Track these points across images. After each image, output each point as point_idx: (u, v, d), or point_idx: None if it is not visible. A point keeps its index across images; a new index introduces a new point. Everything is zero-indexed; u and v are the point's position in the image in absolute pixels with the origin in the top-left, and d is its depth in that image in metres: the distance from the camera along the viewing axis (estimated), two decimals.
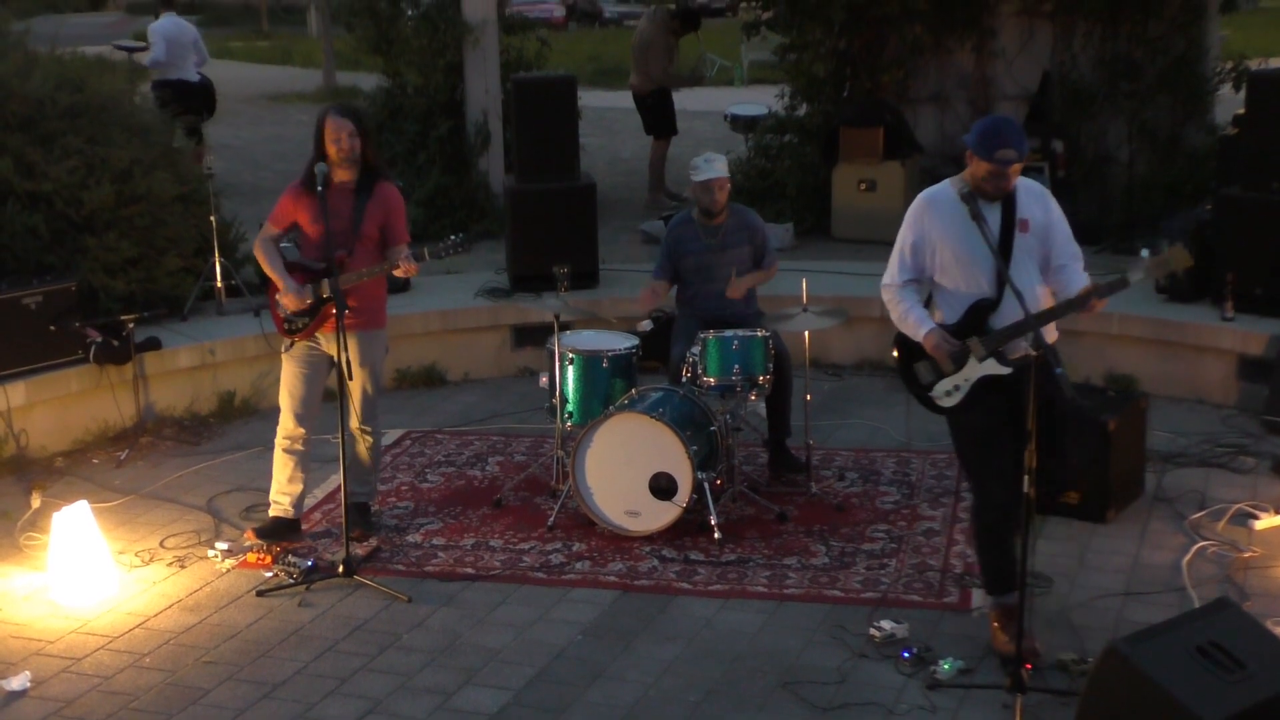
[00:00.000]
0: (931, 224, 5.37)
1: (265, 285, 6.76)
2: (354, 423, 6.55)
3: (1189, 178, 10.66)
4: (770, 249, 7.40)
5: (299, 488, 6.69)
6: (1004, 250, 5.25)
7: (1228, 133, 10.24)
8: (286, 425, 6.62)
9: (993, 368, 5.24)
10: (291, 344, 6.58)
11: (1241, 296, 8.19)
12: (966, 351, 5.26)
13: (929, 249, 5.38)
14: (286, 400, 6.62)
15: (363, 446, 6.70)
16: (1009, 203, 5.31)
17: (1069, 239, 5.42)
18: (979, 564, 5.65)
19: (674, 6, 14.11)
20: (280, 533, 6.67)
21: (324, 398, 6.72)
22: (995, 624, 5.49)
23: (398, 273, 6.38)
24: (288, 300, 6.45)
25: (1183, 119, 11.21)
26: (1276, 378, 7.73)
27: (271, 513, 6.72)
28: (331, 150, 6.35)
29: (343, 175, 6.43)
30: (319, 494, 7.22)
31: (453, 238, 6.55)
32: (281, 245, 6.68)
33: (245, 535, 6.71)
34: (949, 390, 5.34)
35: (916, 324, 5.37)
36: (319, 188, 6.28)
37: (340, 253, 6.32)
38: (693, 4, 18.44)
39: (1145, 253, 5.28)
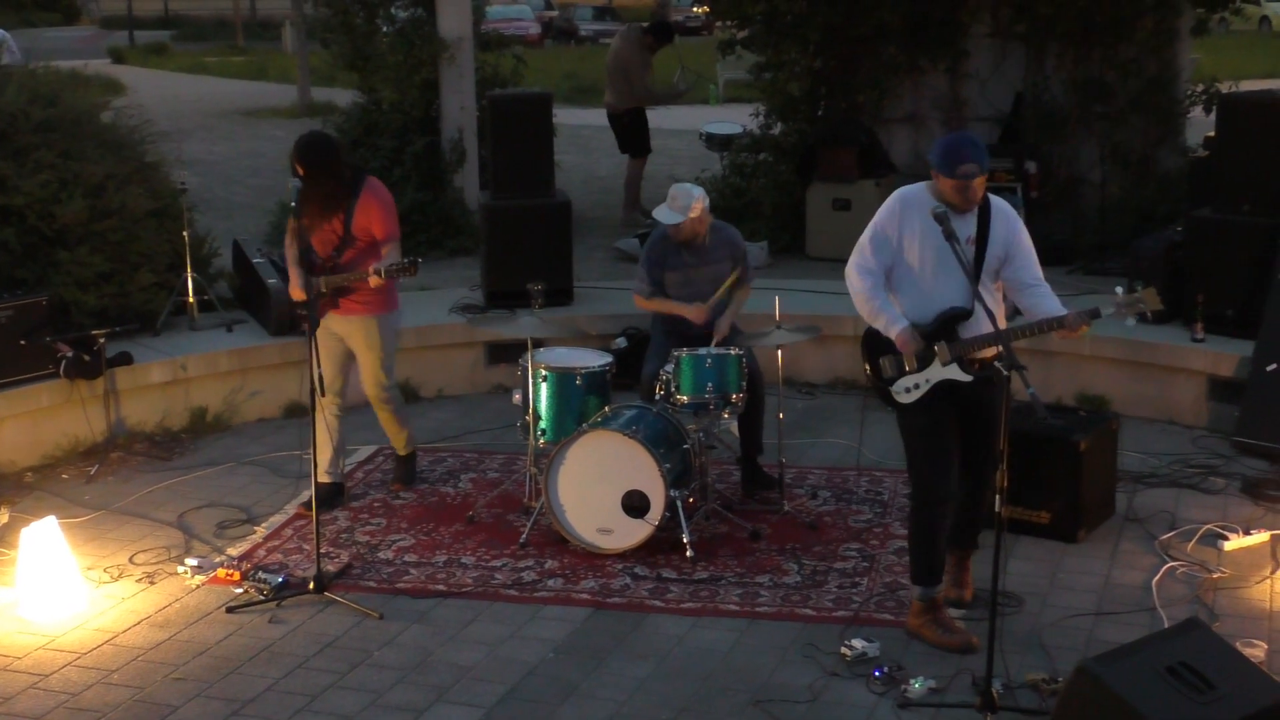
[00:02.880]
0: (906, 225, 5.57)
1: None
2: (372, 393, 7.21)
3: (1161, 199, 10.73)
4: (749, 266, 7.42)
5: (328, 453, 7.13)
6: (976, 265, 5.50)
7: (1199, 155, 10.32)
8: (329, 390, 7.03)
9: (954, 373, 5.52)
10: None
11: (1212, 318, 8.24)
12: (932, 354, 5.52)
13: (897, 247, 5.59)
14: (324, 368, 6.93)
15: (385, 414, 7.31)
16: (984, 218, 5.56)
17: (1034, 261, 5.67)
18: (913, 557, 5.80)
19: (646, 24, 14.13)
20: (328, 499, 7.03)
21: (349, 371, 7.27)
22: (920, 620, 5.72)
23: (373, 284, 6.73)
24: (293, 291, 6.89)
25: (1155, 141, 11.29)
26: (1246, 399, 7.78)
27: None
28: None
29: None
30: (289, 510, 7.21)
31: (404, 260, 6.80)
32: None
33: (297, 511, 7.12)
34: (909, 387, 5.61)
35: (888, 322, 5.57)
36: (292, 203, 6.48)
37: (330, 257, 6.88)
38: (665, 18, 18.46)
39: (1120, 289, 5.51)
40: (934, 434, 5.61)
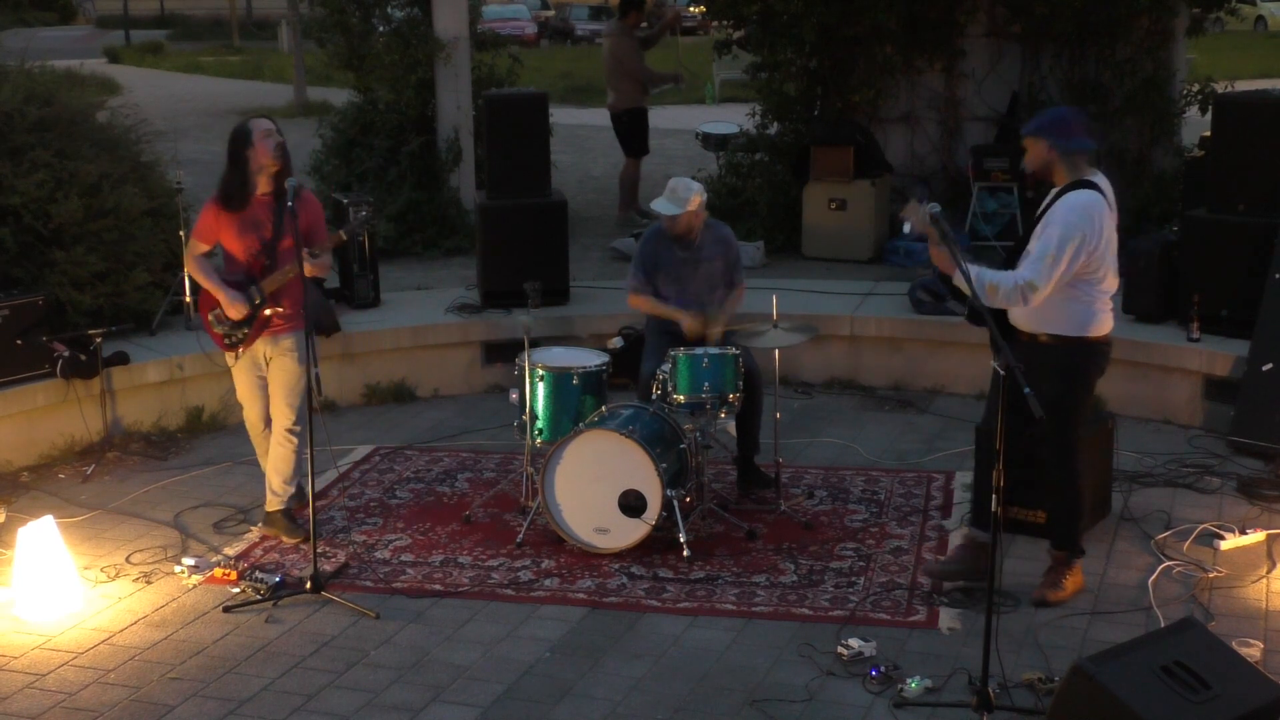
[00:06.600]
0: (1104, 224, 5.87)
1: (197, 308, 6.85)
2: (285, 422, 6.68)
3: (1156, 199, 10.75)
4: (740, 265, 7.42)
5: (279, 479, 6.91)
6: (1020, 245, 5.82)
7: (1194, 155, 10.32)
8: (258, 426, 6.89)
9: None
10: (238, 357, 6.72)
11: (1207, 318, 8.24)
12: None
13: (1096, 248, 5.79)
14: (249, 407, 6.87)
15: (285, 451, 6.74)
16: (1052, 199, 5.89)
17: (1039, 242, 5.79)
18: (1081, 522, 6.19)
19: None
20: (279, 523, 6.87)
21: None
22: (1074, 579, 6.07)
23: (309, 272, 6.39)
24: (233, 310, 6.57)
25: (1150, 141, 11.31)
26: (1242, 399, 7.79)
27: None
28: (268, 162, 6.53)
29: (264, 186, 6.59)
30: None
31: (362, 214, 6.92)
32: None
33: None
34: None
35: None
36: (289, 203, 6.40)
37: (261, 264, 6.57)
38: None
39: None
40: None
